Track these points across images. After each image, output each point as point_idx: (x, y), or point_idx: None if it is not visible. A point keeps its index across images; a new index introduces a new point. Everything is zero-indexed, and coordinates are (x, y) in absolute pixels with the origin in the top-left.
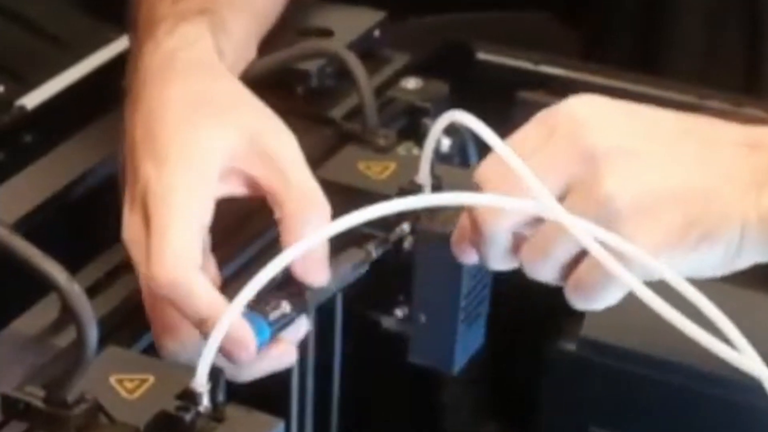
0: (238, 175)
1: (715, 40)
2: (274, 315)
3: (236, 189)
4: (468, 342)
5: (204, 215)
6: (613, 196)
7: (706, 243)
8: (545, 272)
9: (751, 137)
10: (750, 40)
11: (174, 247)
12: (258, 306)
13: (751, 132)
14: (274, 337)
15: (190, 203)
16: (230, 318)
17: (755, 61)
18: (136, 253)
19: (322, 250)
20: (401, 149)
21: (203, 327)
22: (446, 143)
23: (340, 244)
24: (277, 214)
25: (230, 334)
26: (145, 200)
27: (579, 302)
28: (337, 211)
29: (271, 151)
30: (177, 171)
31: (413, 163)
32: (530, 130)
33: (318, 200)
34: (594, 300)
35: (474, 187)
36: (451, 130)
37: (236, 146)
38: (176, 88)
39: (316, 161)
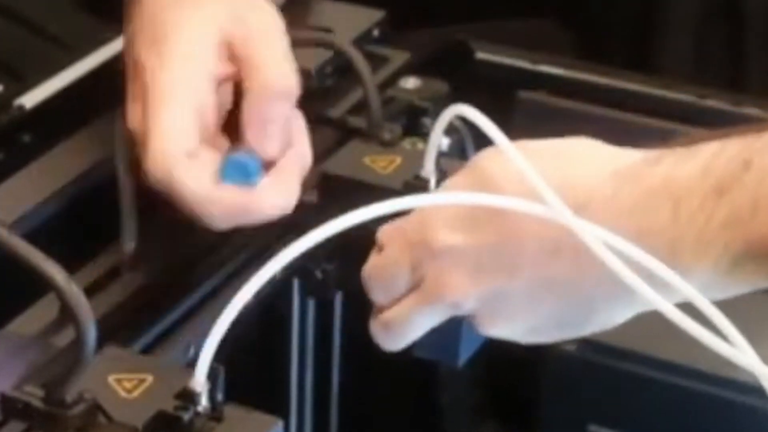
0: (228, 50)
1: (702, 45)
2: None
3: (228, 67)
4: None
5: (200, 96)
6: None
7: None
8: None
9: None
10: (735, 44)
11: (161, 140)
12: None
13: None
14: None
15: (180, 85)
16: (229, 319)
17: (740, 64)
18: (138, 145)
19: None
20: (406, 143)
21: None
22: (445, 142)
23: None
24: (245, 84)
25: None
26: (143, 87)
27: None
28: (344, 205)
29: (252, 24)
30: (170, 53)
31: (418, 158)
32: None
33: (283, 82)
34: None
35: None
36: (451, 129)
37: (224, 21)
38: None
39: (321, 156)
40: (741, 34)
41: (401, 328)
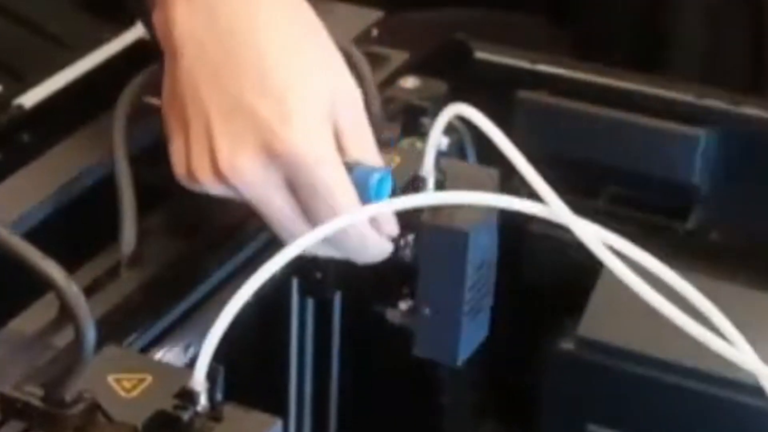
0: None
1: (718, 38)
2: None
3: None
4: (472, 335)
5: None
6: None
7: None
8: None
9: None
10: (755, 37)
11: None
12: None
13: None
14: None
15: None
16: (228, 318)
17: (761, 57)
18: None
19: None
20: (405, 143)
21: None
22: (444, 141)
23: None
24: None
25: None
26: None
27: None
28: None
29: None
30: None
31: (417, 157)
32: None
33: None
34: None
35: None
36: (450, 129)
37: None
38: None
39: None
40: (761, 24)
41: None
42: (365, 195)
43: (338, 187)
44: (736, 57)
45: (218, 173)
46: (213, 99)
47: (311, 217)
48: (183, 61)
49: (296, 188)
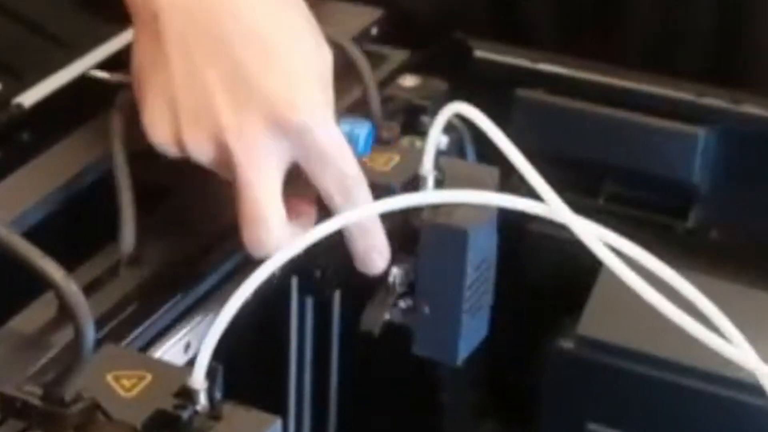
0: None
1: (677, 21)
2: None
3: None
4: (471, 333)
5: None
6: None
7: None
8: None
9: None
10: (721, 21)
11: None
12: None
13: None
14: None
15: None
16: (228, 317)
17: (726, 43)
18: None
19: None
20: (404, 142)
21: None
22: (444, 140)
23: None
24: None
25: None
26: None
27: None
28: None
29: None
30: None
31: (417, 156)
32: None
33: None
34: None
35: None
36: (449, 127)
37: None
38: None
39: None
40: (728, 7)
41: None
42: (355, 149)
43: (343, 148)
44: (699, 42)
45: (217, 139)
46: (210, 67)
47: (318, 185)
48: (169, 27)
49: (302, 159)
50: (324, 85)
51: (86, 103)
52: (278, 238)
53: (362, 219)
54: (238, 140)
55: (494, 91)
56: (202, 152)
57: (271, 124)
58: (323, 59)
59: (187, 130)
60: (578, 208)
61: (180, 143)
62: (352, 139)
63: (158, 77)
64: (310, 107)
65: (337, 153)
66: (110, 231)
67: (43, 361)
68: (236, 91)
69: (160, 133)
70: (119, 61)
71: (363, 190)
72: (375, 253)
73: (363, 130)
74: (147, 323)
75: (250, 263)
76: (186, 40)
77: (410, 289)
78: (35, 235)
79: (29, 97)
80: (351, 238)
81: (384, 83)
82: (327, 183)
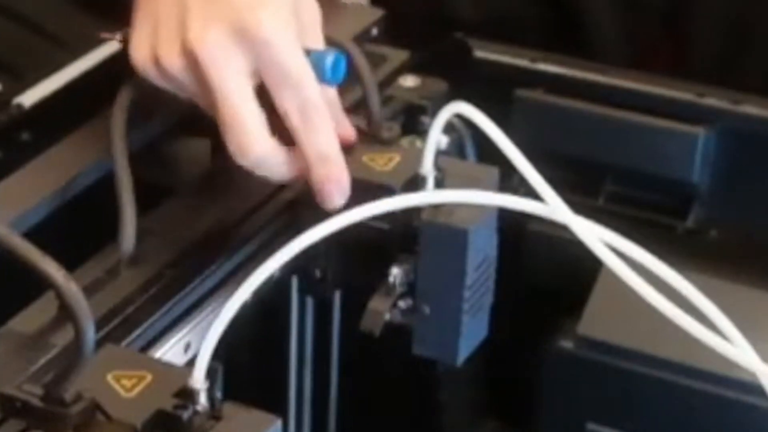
0: None
1: (633, 20)
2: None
3: None
4: (472, 333)
5: None
6: None
7: None
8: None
9: None
10: (673, 19)
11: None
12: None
13: None
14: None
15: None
16: (228, 317)
17: (680, 41)
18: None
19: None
20: (405, 142)
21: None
22: (444, 140)
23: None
24: None
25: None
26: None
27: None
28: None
29: None
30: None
31: (417, 156)
32: None
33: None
34: None
35: None
36: (450, 127)
37: None
38: None
39: None
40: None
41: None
42: (321, 76)
43: (303, 68)
44: (654, 41)
45: (185, 50)
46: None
47: (277, 102)
48: None
49: (263, 72)
50: (294, 10)
51: (86, 103)
52: (259, 142)
53: (321, 144)
54: (203, 46)
55: (494, 91)
56: (174, 67)
57: (234, 32)
58: None
59: (163, 46)
60: (578, 208)
61: (157, 61)
62: (318, 65)
63: (147, 3)
64: (274, 24)
65: (295, 73)
66: (111, 231)
67: (43, 361)
68: (209, 6)
69: (140, 54)
70: (119, 62)
71: (321, 115)
72: (332, 184)
73: (329, 56)
74: (147, 323)
75: (250, 263)
76: None
77: (410, 289)
78: (35, 235)
79: (29, 97)
80: (309, 165)
81: (384, 83)
82: (284, 102)
